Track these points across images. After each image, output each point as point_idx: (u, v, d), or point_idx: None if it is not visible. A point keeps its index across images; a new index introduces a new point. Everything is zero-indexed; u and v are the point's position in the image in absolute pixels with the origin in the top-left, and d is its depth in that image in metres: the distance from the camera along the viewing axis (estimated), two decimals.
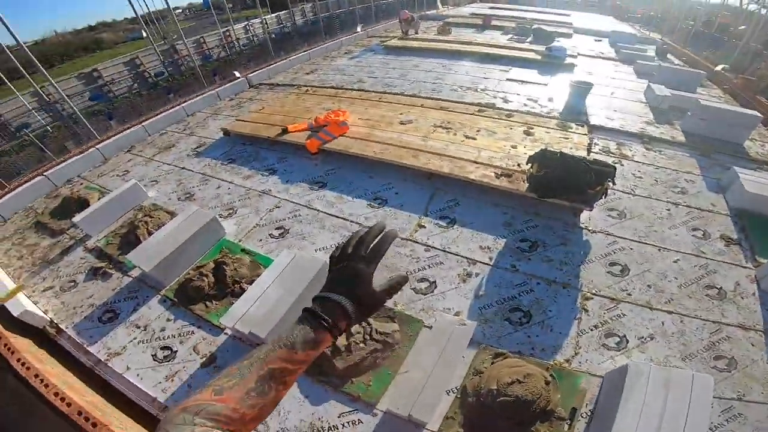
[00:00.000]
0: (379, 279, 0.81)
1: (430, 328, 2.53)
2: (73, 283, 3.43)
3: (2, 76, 10.50)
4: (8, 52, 9.77)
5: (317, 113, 5.41)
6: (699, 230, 3.31)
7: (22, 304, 3.04)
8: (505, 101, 5.78)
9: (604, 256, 3.06)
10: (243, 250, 3.35)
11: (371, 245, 0.80)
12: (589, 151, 4.18)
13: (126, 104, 12.94)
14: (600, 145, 4.55)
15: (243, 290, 2.86)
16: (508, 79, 6.77)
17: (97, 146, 5.64)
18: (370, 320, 2.52)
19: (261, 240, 3.54)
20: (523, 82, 6.63)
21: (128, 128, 6.12)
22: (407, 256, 3.16)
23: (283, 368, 0.67)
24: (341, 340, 2.38)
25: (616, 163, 4.16)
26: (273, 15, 20.55)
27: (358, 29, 11.26)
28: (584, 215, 3.41)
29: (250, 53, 16.47)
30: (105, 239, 3.82)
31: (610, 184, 3.10)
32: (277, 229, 3.66)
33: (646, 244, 3.17)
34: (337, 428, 2.17)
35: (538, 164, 3.28)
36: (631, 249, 3.13)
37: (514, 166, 3.78)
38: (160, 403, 2.42)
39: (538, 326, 2.57)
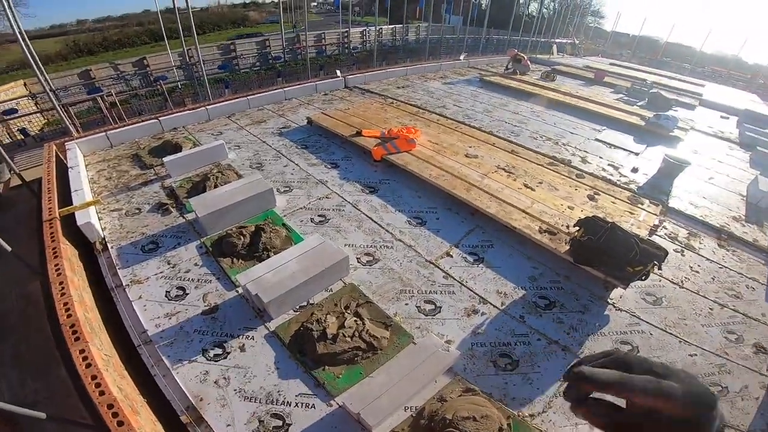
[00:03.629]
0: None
1: (416, 344, 2.60)
2: (137, 211, 4.07)
3: (164, 34, 12.60)
4: (177, 14, 11.75)
5: (393, 125, 5.73)
6: (734, 334, 3.02)
7: (89, 216, 3.59)
8: (583, 161, 5.55)
9: (619, 333, 2.90)
10: (284, 224, 3.71)
11: None
12: (651, 232, 3.88)
13: (243, 78, 14.64)
14: (668, 230, 4.19)
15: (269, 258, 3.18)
16: (596, 140, 6.47)
17: (207, 107, 6.56)
18: (365, 320, 2.66)
19: (302, 221, 3.88)
20: (611, 145, 6.28)
21: (236, 98, 7.03)
22: (425, 277, 3.25)
23: None
24: (331, 328, 2.55)
25: (678, 251, 3.85)
26: (390, 26, 21.86)
27: (461, 57, 11.55)
28: (616, 292, 3.22)
29: (358, 56, 17.64)
30: (180, 182, 4.47)
31: (655, 268, 2.90)
32: (319, 216, 3.97)
33: (670, 334, 2.95)
34: (290, 405, 2.31)
35: (585, 229, 3.16)
36: (651, 335, 2.92)
37: (562, 226, 3.66)
38: (146, 335, 2.72)
39: (520, 377, 2.53)
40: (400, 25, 22.03)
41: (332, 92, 8.01)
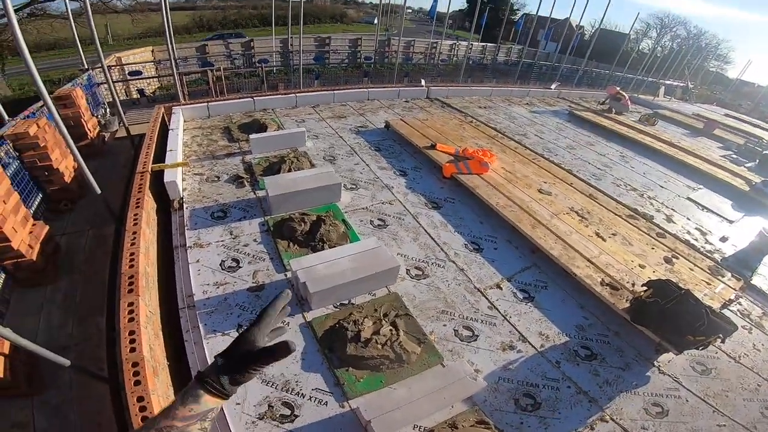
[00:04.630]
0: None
1: (444, 366, 2.57)
2: (216, 179, 4.44)
3: (273, 20, 13.76)
4: (290, 1, 12.75)
5: (468, 145, 5.67)
6: None
7: (174, 176, 3.92)
8: (668, 220, 5.04)
9: (653, 395, 2.69)
10: (344, 220, 3.84)
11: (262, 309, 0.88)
12: (724, 306, 3.47)
13: (332, 72, 15.41)
14: (742, 306, 3.74)
15: (323, 250, 3.31)
16: (688, 198, 5.84)
17: (297, 94, 7.02)
18: (400, 332, 2.66)
19: (362, 221, 3.99)
20: (704, 208, 5.62)
21: (323, 91, 7.45)
22: (469, 303, 3.18)
23: (170, 426, 0.70)
24: (366, 332, 2.59)
25: (746, 328, 3.46)
26: (481, 44, 21.62)
27: (553, 86, 11.05)
28: (666, 356, 2.96)
29: (444, 69, 17.68)
30: (259, 159, 4.83)
31: (718, 341, 2.71)
32: (379, 219, 4.05)
33: (707, 403, 2.70)
34: (303, 397, 2.35)
35: (654, 291, 2.91)
36: (687, 401, 2.69)
37: (627, 282, 3.37)
38: (192, 299, 2.85)
39: (537, 419, 2.41)
40: (492, 44, 21.69)
41: (413, 100, 8.12)
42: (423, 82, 8.69)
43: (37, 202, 4.71)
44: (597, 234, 4.09)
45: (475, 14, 15.59)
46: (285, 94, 7.07)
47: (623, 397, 2.64)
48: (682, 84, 20.71)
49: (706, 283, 3.72)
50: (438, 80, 13.60)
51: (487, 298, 3.26)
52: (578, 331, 3.10)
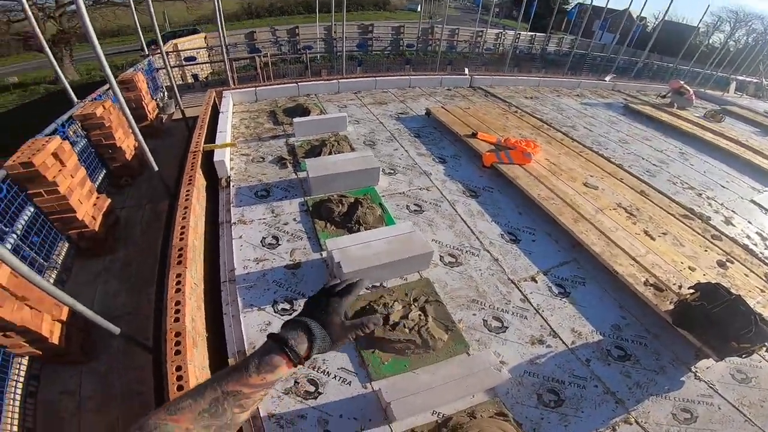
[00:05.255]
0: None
1: (469, 355, 2.57)
2: (261, 160, 4.64)
3: (317, 7, 13.92)
4: None
5: (511, 135, 5.50)
6: None
7: (223, 155, 4.13)
8: (727, 222, 4.65)
9: (684, 401, 2.53)
10: (381, 204, 3.89)
11: (347, 284, 0.87)
12: None
13: (374, 59, 15.39)
14: None
15: (359, 232, 3.38)
16: (752, 201, 5.35)
17: (339, 80, 7.12)
18: (429, 318, 2.69)
19: (398, 205, 4.02)
20: None
21: (365, 77, 7.49)
22: (501, 293, 3.14)
23: (237, 391, 0.66)
24: (395, 315, 2.63)
25: None
26: (529, 33, 20.63)
27: (607, 78, 10.37)
28: (704, 362, 2.78)
29: (489, 58, 17.10)
30: (301, 142, 4.99)
31: (763, 349, 2.57)
32: (416, 205, 4.06)
33: (740, 411, 2.51)
34: (329, 375, 2.40)
35: (701, 294, 2.73)
36: (719, 408, 2.51)
37: (674, 285, 3.17)
38: (233, 274, 2.98)
39: (558, 416, 2.34)
40: (542, 34, 20.66)
41: (456, 89, 7.97)
42: (466, 70, 8.48)
43: (101, 178, 5.12)
44: (645, 232, 3.87)
45: (523, 2, 14.88)
46: (328, 80, 7.19)
47: (652, 400, 2.52)
48: (756, 80, 18.67)
49: (761, 290, 3.42)
50: (482, 69, 13.20)
51: (520, 290, 3.20)
52: (614, 330, 2.97)
